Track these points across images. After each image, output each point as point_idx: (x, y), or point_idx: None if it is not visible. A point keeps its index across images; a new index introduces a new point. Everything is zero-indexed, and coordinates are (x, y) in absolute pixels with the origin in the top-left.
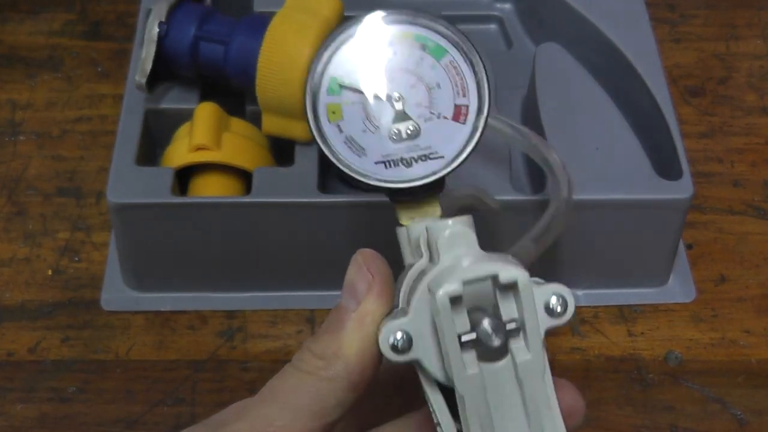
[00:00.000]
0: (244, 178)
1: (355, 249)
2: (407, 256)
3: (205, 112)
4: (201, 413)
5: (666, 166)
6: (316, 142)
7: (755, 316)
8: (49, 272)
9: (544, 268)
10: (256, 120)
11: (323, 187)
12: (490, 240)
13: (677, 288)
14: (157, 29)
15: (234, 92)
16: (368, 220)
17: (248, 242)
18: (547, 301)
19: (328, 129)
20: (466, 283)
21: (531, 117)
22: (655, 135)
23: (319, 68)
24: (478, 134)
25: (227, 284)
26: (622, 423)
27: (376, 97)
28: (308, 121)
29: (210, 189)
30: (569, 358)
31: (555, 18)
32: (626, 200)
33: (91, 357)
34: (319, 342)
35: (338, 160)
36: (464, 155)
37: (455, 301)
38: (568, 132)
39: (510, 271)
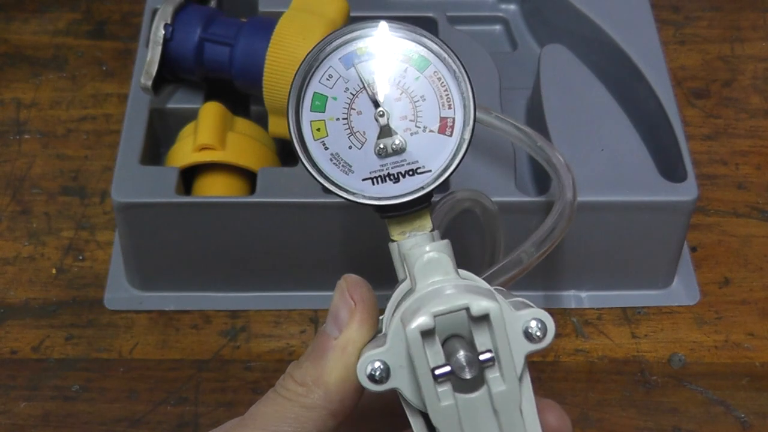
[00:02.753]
0: (249, 177)
1: (359, 250)
2: (400, 272)
3: (210, 112)
4: (204, 413)
5: (670, 168)
6: (301, 162)
7: (759, 319)
8: (53, 271)
9: (548, 270)
10: (260, 120)
11: None
12: (493, 241)
13: (681, 290)
14: (162, 32)
15: (238, 93)
16: (372, 221)
17: (252, 242)
18: (526, 326)
19: (313, 147)
20: (438, 315)
21: (536, 118)
22: (659, 137)
23: (301, 85)
24: (465, 146)
25: (231, 284)
26: (625, 425)
27: (361, 112)
28: (292, 140)
29: (214, 189)
30: (573, 360)
31: (560, 19)
32: (630, 202)
33: (94, 356)
34: (300, 368)
35: (325, 178)
36: (452, 168)
37: (427, 334)
38: (572, 133)
39: (481, 303)
